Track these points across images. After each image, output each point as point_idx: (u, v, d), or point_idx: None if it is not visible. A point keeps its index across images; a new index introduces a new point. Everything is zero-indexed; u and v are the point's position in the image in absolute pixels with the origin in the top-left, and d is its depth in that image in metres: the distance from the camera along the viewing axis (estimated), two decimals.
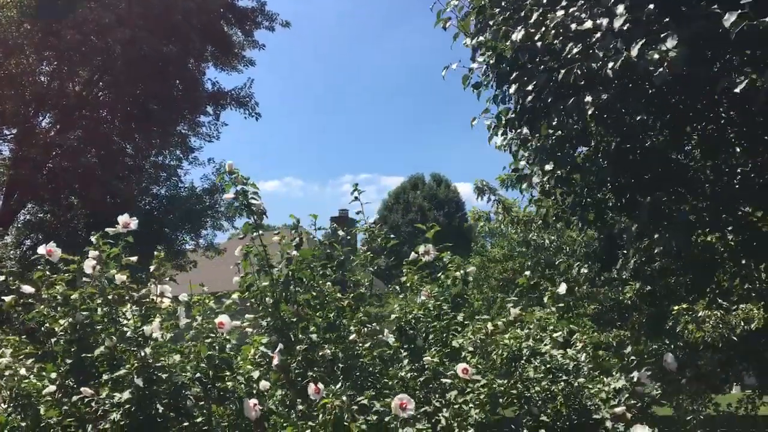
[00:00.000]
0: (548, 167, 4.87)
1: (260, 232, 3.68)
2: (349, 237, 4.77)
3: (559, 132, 4.66)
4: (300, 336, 3.75)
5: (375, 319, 4.46)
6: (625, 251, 5.53)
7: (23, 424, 3.56)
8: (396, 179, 65.34)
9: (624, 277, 6.12)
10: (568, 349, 4.14)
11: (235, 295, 4.01)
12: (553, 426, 3.84)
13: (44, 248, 3.84)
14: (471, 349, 4.07)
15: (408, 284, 4.50)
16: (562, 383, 3.97)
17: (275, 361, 3.61)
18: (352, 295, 4.39)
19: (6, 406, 3.58)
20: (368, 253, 4.35)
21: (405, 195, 38.16)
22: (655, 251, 4.83)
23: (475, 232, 14.16)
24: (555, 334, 4.13)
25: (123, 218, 4.02)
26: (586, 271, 6.68)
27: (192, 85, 18.18)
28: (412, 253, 4.45)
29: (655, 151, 4.58)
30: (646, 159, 4.59)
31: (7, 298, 3.91)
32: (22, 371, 3.67)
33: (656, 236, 4.48)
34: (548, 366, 3.99)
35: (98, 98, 18.41)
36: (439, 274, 4.51)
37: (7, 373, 3.60)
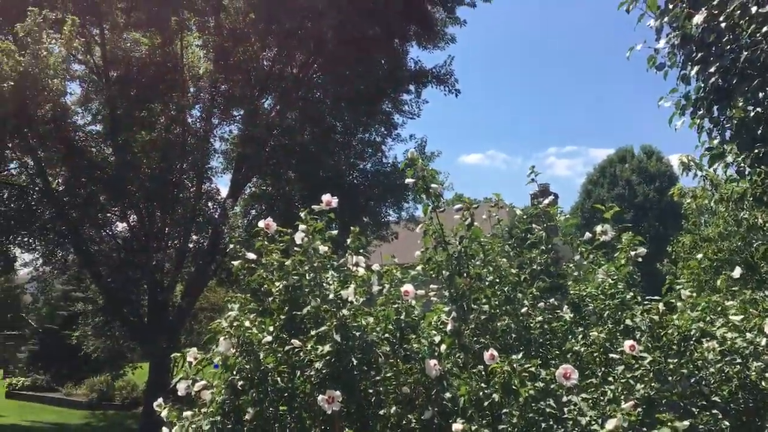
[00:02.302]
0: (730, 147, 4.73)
1: (438, 212, 4.13)
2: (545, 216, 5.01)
3: (751, 112, 4.52)
4: (472, 306, 4.15)
5: (551, 294, 4.72)
6: None
7: (247, 366, 4.33)
8: (604, 152, 62.73)
9: None
10: (747, 333, 4.10)
11: (419, 267, 4.51)
12: (725, 408, 3.88)
13: (263, 222, 4.62)
14: (643, 328, 4.20)
15: (583, 262, 4.71)
16: (738, 366, 3.98)
17: (449, 327, 4.05)
18: (528, 270, 4.70)
19: (234, 351, 4.38)
20: (541, 233, 4.62)
21: (612, 168, 36.65)
22: None
23: (682, 209, 13.44)
24: (733, 318, 4.12)
25: (326, 197, 4.66)
26: None
27: (395, 64, 19.02)
28: (587, 233, 4.65)
29: None
30: None
31: (236, 263, 4.74)
32: (247, 323, 4.44)
33: None
34: (722, 348, 4.00)
35: (312, 80, 19.94)
36: (616, 254, 4.66)
37: (235, 324, 4.39)
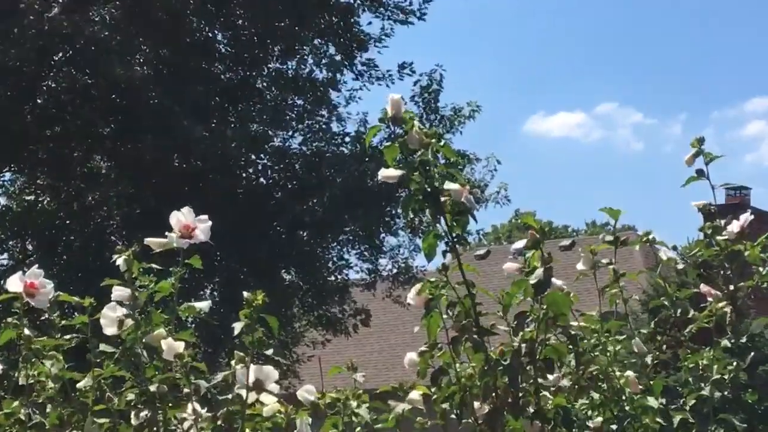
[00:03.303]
0: None
1: (463, 253, 4.04)
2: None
3: None
4: None
5: None
6: None
7: None
8: None
9: None
10: None
11: (415, 393, 4.44)
12: None
13: (18, 280, 4.51)
14: None
15: None
16: None
17: None
18: (692, 398, 4.69)
19: None
20: (725, 307, 4.62)
21: None
22: None
23: None
24: None
25: (181, 216, 4.59)
26: None
27: None
28: None
29: None
30: None
31: None
32: None
33: None
34: None
35: None
36: None
37: None
